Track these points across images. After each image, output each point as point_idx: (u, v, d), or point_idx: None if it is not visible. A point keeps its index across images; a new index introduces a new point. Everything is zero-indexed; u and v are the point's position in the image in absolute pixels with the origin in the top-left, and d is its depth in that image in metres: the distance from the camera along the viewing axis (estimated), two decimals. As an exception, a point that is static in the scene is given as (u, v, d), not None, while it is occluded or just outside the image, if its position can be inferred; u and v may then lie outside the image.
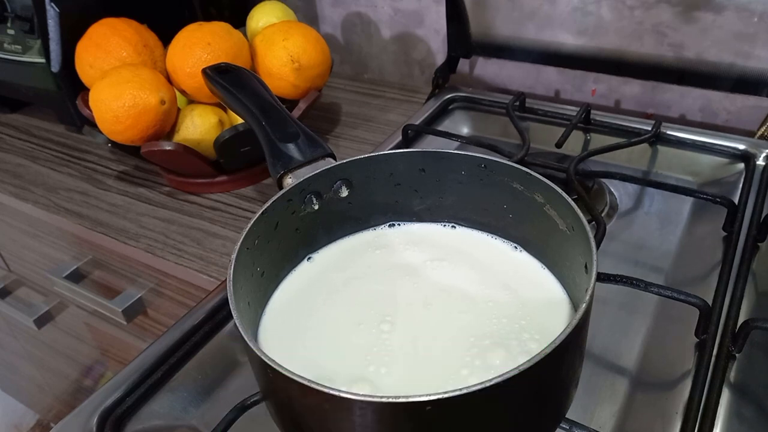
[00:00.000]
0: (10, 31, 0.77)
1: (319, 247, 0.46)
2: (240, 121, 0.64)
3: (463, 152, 0.43)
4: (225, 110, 0.68)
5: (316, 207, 0.44)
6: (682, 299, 0.42)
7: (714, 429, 0.38)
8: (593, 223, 0.50)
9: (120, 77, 0.61)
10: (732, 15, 0.63)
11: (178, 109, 0.66)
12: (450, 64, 0.80)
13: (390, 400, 0.27)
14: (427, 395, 0.27)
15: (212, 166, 0.66)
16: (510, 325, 0.38)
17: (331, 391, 0.28)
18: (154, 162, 0.67)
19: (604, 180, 0.61)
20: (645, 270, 0.52)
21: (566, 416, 0.36)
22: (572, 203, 0.37)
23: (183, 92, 0.67)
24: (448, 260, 0.44)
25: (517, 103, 0.72)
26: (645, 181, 0.58)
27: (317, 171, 0.43)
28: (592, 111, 0.69)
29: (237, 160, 0.66)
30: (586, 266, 0.35)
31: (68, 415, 0.42)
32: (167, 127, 0.64)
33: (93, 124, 0.64)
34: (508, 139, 0.71)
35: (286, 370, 0.29)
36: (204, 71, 0.53)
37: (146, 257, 0.61)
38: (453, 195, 0.45)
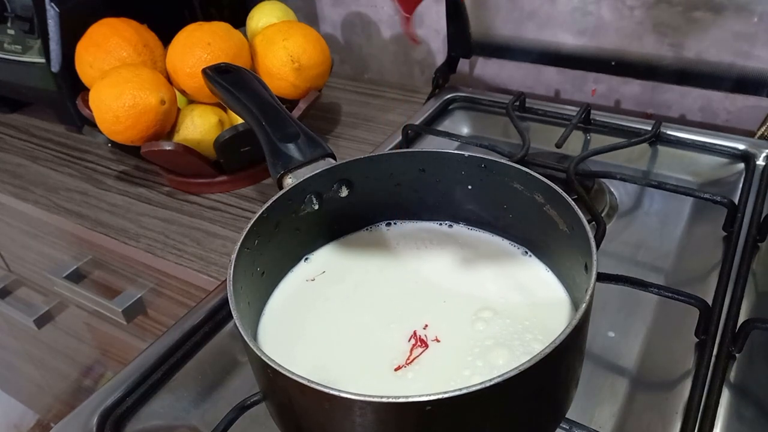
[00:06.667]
0: (10, 31, 0.77)
1: (318, 247, 0.46)
2: (240, 121, 0.64)
3: (463, 152, 0.43)
4: (225, 110, 0.68)
5: (316, 207, 0.44)
6: (682, 299, 0.42)
7: (714, 429, 0.38)
8: (593, 223, 0.50)
9: (120, 77, 0.61)
10: (732, 15, 0.63)
11: (178, 109, 0.66)
12: (450, 64, 0.80)
13: (390, 400, 0.27)
14: (427, 395, 0.27)
15: (212, 166, 0.66)
16: (513, 326, 0.38)
17: (331, 391, 0.28)
18: (154, 162, 0.67)
19: (604, 180, 0.61)
20: (645, 270, 0.52)
21: (566, 416, 0.36)
22: (572, 203, 0.37)
23: (183, 92, 0.67)
24: (447, 260, 0.44)
25: (517, 103, 0.72)
26: (645, 181, 0.58)
27: (317, 171, 0.43)
28: (592, 111, 0.69)
29: (237, 160, 0.66)
30: (586, 266, 0.35)
31: (68, 415, 0.42)
32: (167, 127, 0.64)
33: (93, 124, 0.64)
34: (508, 139, 0.71)
35: (286, 369, 0.29)
36: (204, 71, 0.53)
37: (146, 257, 0.61)
38: (453, 195, 0.45)
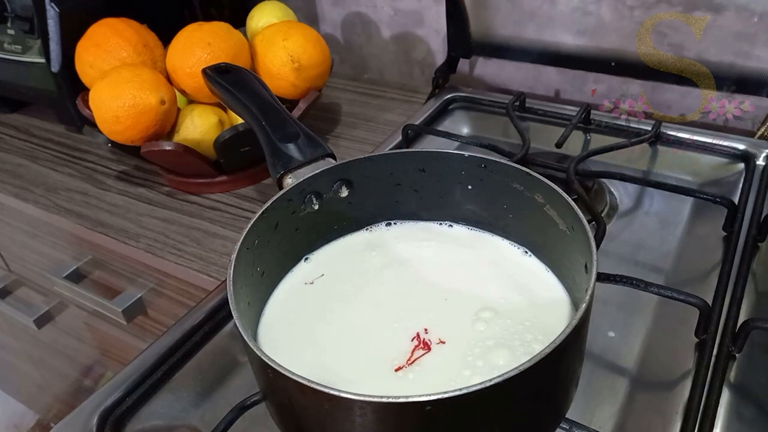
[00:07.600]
0: (10, 31, 0.77)
1: (318, 247, 0.46)
2: (240, 121, 0.64)
3: (463, 152, 0.43)
4: (225, 110, 0.68)
5: (316, 207, 0.44)
6: (682, 299, 0.42)
7: (714, 429, 0.38)
8: (593, 223, 0.50)
9: (120, 77, 0.61)
10: (732, 15, 0.63)
11: (178, 109, 0.66)
12: (450, 64, 0.80)
13: (390, 400, 0.27)
14: (427, 395, 0.27)
15: (212, 166, 0.66)
16: (514, 326, 0.38)
17: (331, 391, 0.28)
18: (154, 162, 0.67)
19: (604, 180, 0.61)
20: (645, 270, 0.52)
21: (566, 416, 0.36)
22: (572, 203, 0.37)
23: (183, 92, 0.67)
24: (447, 260, 0.44)
25: (517, 103, 0.72)
26: (645, 181, 0.58)
27: (317, 171, 0.43)
28: (592, 111, 0.69)
29: (237, 160, 0.66)
30: (586, 266, 0.35)
31: (68, 415, 0.42)
32: (167, 127, 0.64)
33: (93, 124, 0.64)
34: (508, 139, 0.71)
35: (286, 369, 0.29)
36: (204, 71, 0.53)
37: (146, 257, 0.61)
38: (453, 195, 0.45)
